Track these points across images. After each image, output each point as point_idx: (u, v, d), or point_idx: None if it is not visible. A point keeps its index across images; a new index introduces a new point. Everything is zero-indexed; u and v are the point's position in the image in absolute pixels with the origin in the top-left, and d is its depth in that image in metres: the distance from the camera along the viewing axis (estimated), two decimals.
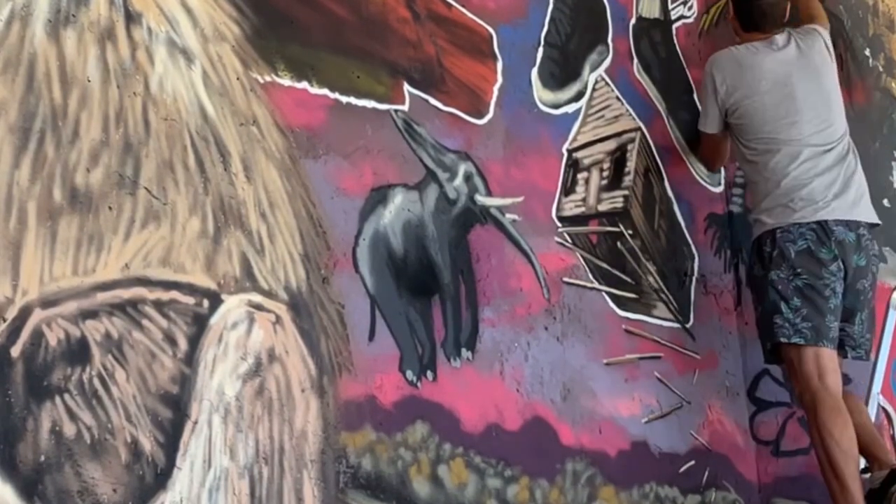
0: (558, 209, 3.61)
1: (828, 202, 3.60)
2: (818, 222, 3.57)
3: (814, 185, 3.63)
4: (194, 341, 2.45)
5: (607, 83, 3.96)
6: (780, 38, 3.91)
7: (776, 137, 3.76)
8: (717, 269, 4.26)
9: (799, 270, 3.56)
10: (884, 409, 3.88)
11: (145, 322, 2.37)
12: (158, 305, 2.40)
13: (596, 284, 3.69)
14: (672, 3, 4.43)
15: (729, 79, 3.91)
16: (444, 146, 3.24)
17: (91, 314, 2.27)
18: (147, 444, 2.31)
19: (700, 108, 4.15)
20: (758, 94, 3.84)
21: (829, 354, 3.52)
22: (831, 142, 3.72)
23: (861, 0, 4.56)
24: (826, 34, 3.98)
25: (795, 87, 3.79)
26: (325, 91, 2.91)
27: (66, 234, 2.26)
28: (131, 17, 2.49)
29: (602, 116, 3.90)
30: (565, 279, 3.56)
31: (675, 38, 4.40)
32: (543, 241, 3.51)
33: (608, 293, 3.73)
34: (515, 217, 3.41)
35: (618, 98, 3.99)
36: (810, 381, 3.49)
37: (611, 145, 3.91)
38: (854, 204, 3.64)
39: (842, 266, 3.55)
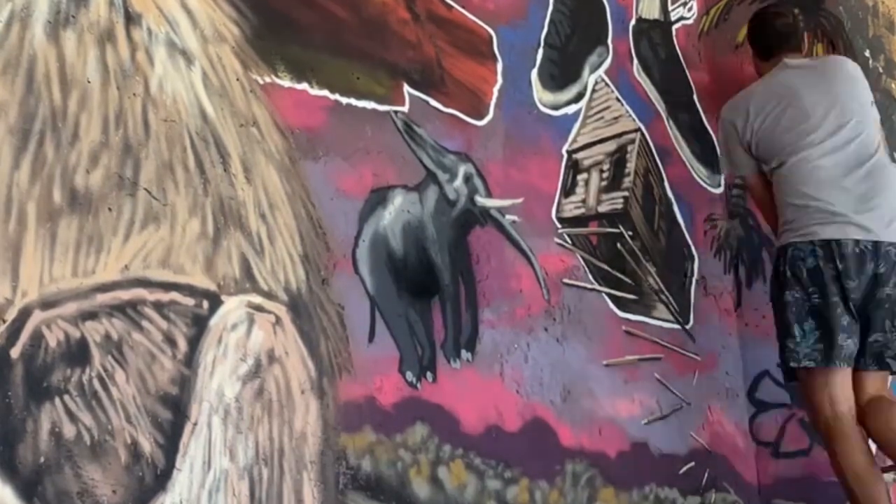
0: (558, 210, 3.61)
1: (844, 221, 3.43)
2: (827, 240, 3.43)
3: (829, 201, 3.46)
4: (194, 342, 2.45)
5: (607, 84, 3.96)
6: (792, 60, 3.81)
7: (785, 149, 3.63)
8: (717, 270, 4.27)
9: (811, 290, 3.44)
10: None
11: (145, 323, 2.37)
12: (158, 307, 2.40)
13: (596, 286, 3.69)
14: (672, 4, 4.43)
15: (742, 116, 3.79)
16: (444, 147, 3.24)
17: (91, 315, 2.27)
18: (147, 446, 2.31)
19: (725, 159, 4.06)
20: (769, 113, 3.70)
21: (841, 376, 3.41)
22: (855, 158, 3.52)
23: (861, 1, 4.56)
24: (858, 70, 3.75)
25: (803, 96, 3.65)
26: (325, 92, 2.91)
27: (65, 236, 2.25)
28: (131, 19, 2.49)
29: (602, 118, 3.91)
30: (565, 280, 3.56)
31: (674, 39, 4.40)
32: (543, 242, 3.51)
33: (608, 294, 3.73)
34: (515, 218, 3.41)
35: (618, 99, 3.99)
36: (821, 411, 3.43)
37: (611, 146, 3.91)
38: (880, 225, 3.43)
39: (854, 278, 3.40)
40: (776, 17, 3.92)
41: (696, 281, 4.17)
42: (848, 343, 3.41)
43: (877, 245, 3.41)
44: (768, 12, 4.00)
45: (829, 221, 3.44)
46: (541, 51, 3.70)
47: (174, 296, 2.44)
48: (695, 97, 4.41)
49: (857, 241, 3.40)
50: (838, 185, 3.48)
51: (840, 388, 3.42)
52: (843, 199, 3.46)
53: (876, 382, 3.48)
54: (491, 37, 3.50)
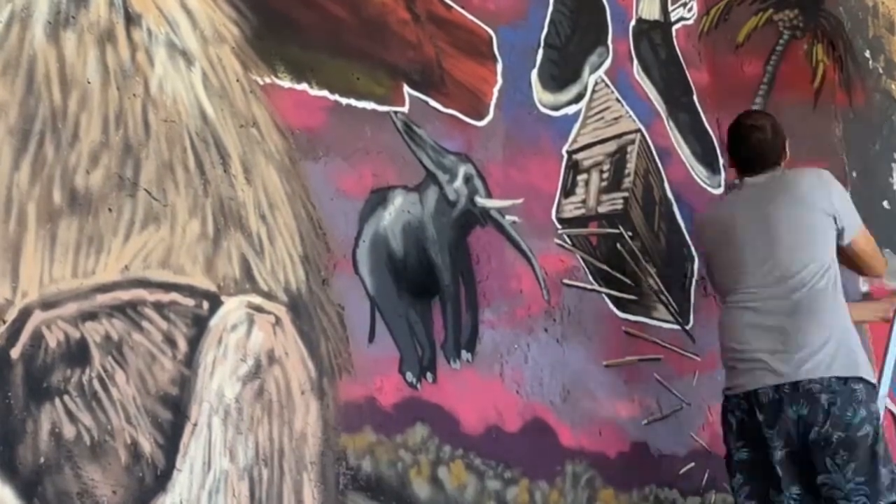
0: (558, 211, 3.61)
1: (761, 367, 3.15)
2: (748, 392, 3.16)
3: (748, 346, 3.20)
4: (194, 343, 2.45)
5: (607, 85, 3.96)
6: (750, 179, 3.38)
7: (721, 289, 3.42)
8: None
9: (740, 443, 3.20)
10: (890, 411, 3.88)
11: (145, 324, 2.37)
12: (158, 307, 2.40)
13: (596, 286, 3.69)
14: (672, 4, 4.43)
15: (702, 244, 3.64)
16: (444, 148, 3.24)
17: (91, 316, 2.27)
18: (147, 446, 2.31)
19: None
20: (711, 246, 3.49)
21: None
22: (782, 292, 3.18)
23: (861, 2, 4.56)
24: (820, 180, 3.29)
25: (737, 228, 3.32)
26: (325, 93, 2.91)
27: (65, 236, 2.25)
28: (131, 19, 2.49)
29: (602, 118, 3.91)
30: (565, 281, 3.56)
31: (674, 39, 4.40)
32: (543, 242, 3.51)
33: (608, 295, 3.73)
34: (515, 219, 3.41)
35: (618, 100, 3.99)
36: None
37: (611, 147, 3.91)
38: (797, 366, 3.09)
39: (773, 426, 3.10)
40: (752, 132, 3.40)
41: (696, 281, 4.17)
42: (780, 499, 3.11)
43: (795, 385, 3.07)
44: (745, 125, 3.44)
45: (747, 369, 3.18)
46: (541, 51, 3.70)
47: (174, 296, 2.44)
48: (695, 98, 4.41)
49: (775, 388, 3.10)
50: (760, 327, 3.19)
51: None
52: (762, 341, 3.17)
53: None
54: (491, 37, 3.50)
